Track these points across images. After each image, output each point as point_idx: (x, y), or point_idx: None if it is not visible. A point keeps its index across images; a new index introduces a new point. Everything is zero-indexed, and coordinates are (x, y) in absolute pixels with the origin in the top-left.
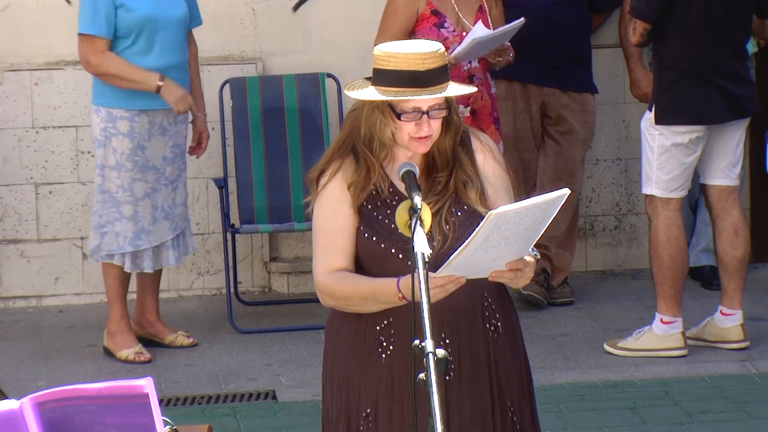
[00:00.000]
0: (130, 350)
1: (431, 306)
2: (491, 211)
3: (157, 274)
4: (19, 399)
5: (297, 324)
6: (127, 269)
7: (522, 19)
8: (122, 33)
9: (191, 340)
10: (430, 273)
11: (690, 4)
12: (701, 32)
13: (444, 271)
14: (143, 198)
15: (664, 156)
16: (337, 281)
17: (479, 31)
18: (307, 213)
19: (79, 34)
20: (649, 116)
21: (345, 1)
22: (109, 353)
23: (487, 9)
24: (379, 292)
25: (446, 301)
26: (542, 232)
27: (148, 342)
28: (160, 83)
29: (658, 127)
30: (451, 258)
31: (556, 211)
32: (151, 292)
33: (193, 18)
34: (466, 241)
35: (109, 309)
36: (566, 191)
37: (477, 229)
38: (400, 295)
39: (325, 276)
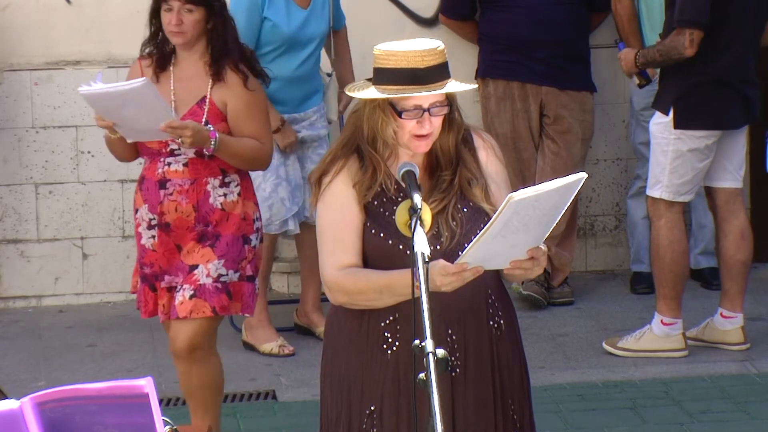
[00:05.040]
0: (273, 343)
1: (431, 305)
2: (511, 194)
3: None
4: (19, 399)
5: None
6: (291, 231)
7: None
8: (261, 42)
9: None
10: (445, 262)
11: (727, 11)
12: (733, 37)
13: (461, 260)
14: (289, 155)
15: (679, 160)
16: (350, 277)
17: (84, 87)
18: None
19: None
20: (663, 119)
21: (345, 1)
22: (249, 347)
23: (212, 101)
24: (395, 283)
25: (452, 298)
26: (558, 219)
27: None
28: (281, 126)
29: (675, 131)
30: (470, 245)
31: (573, 196)
32: (312, 284)
33: (337, 21)
34: (485, 227)
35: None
36: (583, 175)
37: (496, 214)
38: (418, 283)
39: (335, 273)
